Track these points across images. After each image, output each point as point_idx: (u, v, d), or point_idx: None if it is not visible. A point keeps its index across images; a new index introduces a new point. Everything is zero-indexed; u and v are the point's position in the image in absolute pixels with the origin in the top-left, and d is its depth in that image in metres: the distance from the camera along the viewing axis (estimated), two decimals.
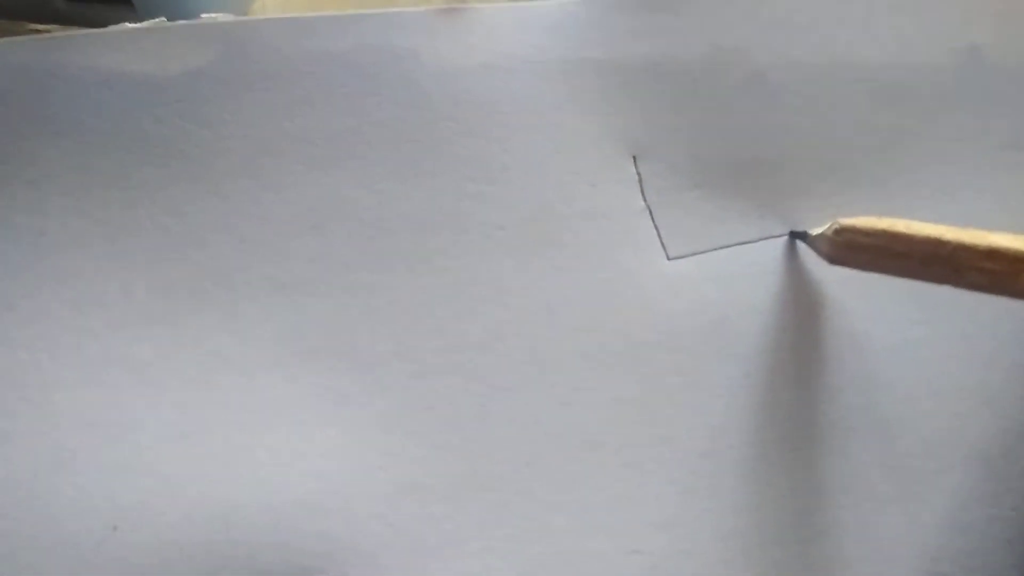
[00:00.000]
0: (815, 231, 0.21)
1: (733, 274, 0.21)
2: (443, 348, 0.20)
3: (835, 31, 0.24)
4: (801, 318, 0.21)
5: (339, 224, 0.21)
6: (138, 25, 0.22)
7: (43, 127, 0.21)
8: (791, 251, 0.22)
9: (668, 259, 0.22)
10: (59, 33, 0.22)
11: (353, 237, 0.21)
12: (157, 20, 0.24)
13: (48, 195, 0.21)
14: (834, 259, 0.20)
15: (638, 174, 0.22)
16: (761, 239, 0.22)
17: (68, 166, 0.21)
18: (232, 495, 0.19)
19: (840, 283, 0.21)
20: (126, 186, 0.21)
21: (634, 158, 0.23)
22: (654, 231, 0.22)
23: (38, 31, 0.24)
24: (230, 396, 0.19)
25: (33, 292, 0.20)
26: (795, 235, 0.22)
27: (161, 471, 0.19)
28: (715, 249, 0.22)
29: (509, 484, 0.19)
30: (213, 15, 0.24)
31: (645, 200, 0.22)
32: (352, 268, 0.21)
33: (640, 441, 0.20)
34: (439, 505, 0.19)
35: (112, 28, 0.22)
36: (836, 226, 0.20)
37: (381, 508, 0.19)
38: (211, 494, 0.19)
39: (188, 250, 0.21)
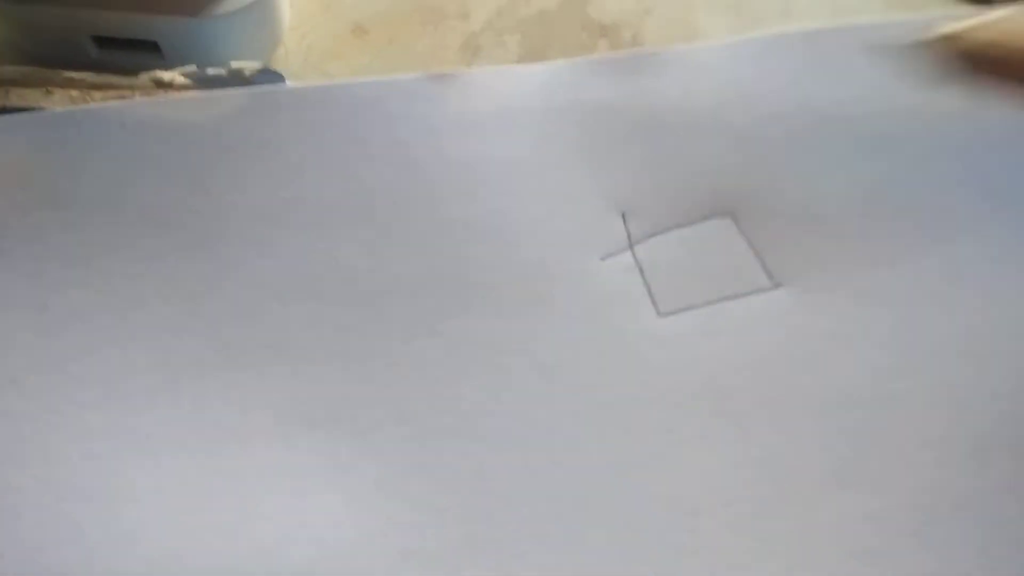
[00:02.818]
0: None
1: (723, 329, 0.22)
2: (439, 411, 0.21)
3: (814, 86, 0.24)
4: (789, 372, 0.21)
5: (335, 289, 0.22)
6: (136, 101, 0.23)
7: (45, 200, 0.22)
8: (779, 304, 0.22)
9: (659, 315, 0.22)
10: (59, 109, 0.23)
11: (349, 302, 0.22)
12: (188, 67, 0.25)
13: (50, 268, 0.21)
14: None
15: (627, 231, 0.23)
16: (749, 293, 0.22)
17: (70, 239, 0.22)
18: (235, 564, 0.19)
19: (827, 336, 0.22)
20: (127, 257, 0.21)
21: (623, 216, 0.23)
22: (644, 288, 0.22)
23: (73, 80, 0.24)
24: (230, 465, 0.20)
25: (36, 365, 0.20)
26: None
27: (164, 542, 0.19)
28: (705, 304, 0.22)
29: (506, 547, 0.20)
30: (240, 64, 0.25)
31: (635, 257, 0.23)
32: (349, 333, 0.21)
33: (633, 499, 0.20)
34: (439, 571, 0.19)
35: (111, 104, 0.23)
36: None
37: (382, 575, 0.19)
38: (214, 564, 0.19)
39: (187, 319, 0.21)
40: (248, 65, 0.24)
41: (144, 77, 0.24)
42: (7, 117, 0.22)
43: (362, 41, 0.30)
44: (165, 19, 0.26)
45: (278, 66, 0.29)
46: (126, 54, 0.28)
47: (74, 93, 0.23)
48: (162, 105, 0.23)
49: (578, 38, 0.31)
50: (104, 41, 0.28)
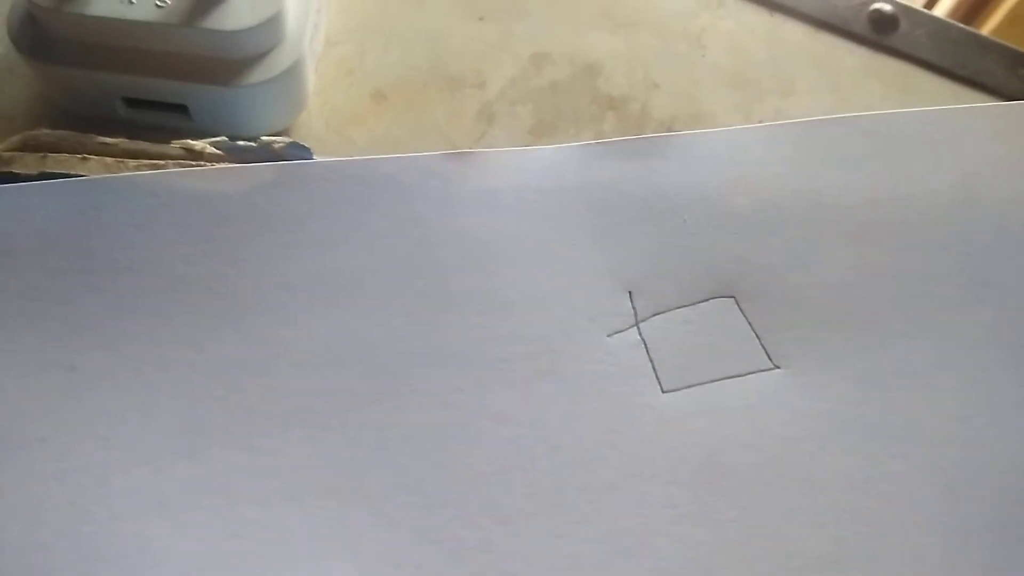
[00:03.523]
0: None
1: (723, 407, 0.23)
2: (448, 480, 0.22)
3: (813, 174, 0.25)
4: (787, 451, 0.22)
5: (352, 359, 0.23)
6: (169, 172, 0.24)
7: (77, 264, 0.23)
8: (778, 385, 0.23)
9: (663, 392, 0.23)
10: (95, 176, 0.24)
11: (365, 372, 0.22)
12: (219, 138, 0.26)
13: (78, 330, 0.22)
14: None
15: (633, 309, 0.24)
16: (750, 373, 0.23)
17: (98, 302, 0.22)
18: None
19: (824, 417, 0.23)
20: (154, 323, 0.22)
21: (630, 294, 0.24)
22: (650, 365, 0.23)
23: (107, 145, 0.25)
24: (248, 530, 0.21)
25: (64, 425, 0.21)
26: None
27: None
28: (707, 382, 0.23)
29: None
30: (270, 137, 0.26)
31: (640, 335, 0.24)
32: (363, 402, 0.22)
33: (634, 573, 0.21)
34: None
35: (145, 173, 0.24)
36: None
37: None
38: None
39: (210, 385, 0.22)
40: (277, 139, 0.25)
41: (175, 145, 0.25)
42: (46, 183, 0.23)
43: (382, 107, 0.31)
44: (196, 86, 0.27)
45: (302, 129, 0.30)
46: (155, 114, 0.29)
47: (109, 160, 0.24)
48: (194, 176, 0.24)
49: (588, 110, 0.32)
50: (134, 102, 0.29)
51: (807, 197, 0.25)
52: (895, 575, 0.21)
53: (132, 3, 0.26)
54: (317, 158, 0.25)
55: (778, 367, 0.23)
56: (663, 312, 0.24)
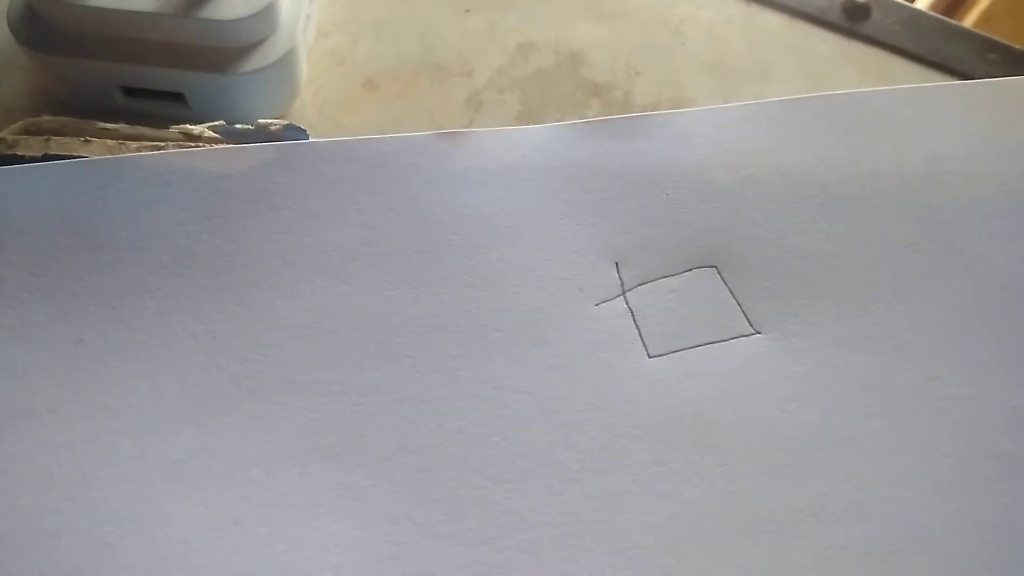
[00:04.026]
0: None
1: (707, 370, 0.24)
2: (446, 443, 0.22)
3: (790, 150, 0.27)
4: (769, 411, 0.23)
5: (351, 329, 0.23)
6: (171, 152, 0.25)
7: (84, 242, 0.24)
8: (758, 349, 0.24)
9: (649, 357, 0.24)
10: (99, 157, 0.25)
11: (364, 341, 0.23)
12: (217, 123, 0.26)
13: (86, 305, 0.23)
14: None
15: (620, 279, 0.25)
16: (731, 338, 0.24)
17: (105, 278, 0.23)
18: None
19: (803, 379, 0.24)
20: (158, 296, 0.23)
21: (616, 265, 0.25)
22: (636, 332, 0.24)
23: (107, 129, 0.26)
24: (252, 491, 0.21)
25: (73, 396, 0.22)
26: None
27: (191, 563, 0.20)
28: (691, 347, 0.24)
29: (508, 570, 0.21)
30: (267, 120, 0.27)
31: (627, 303, 0.25)
32: (363, 369, 0.23)
33: (625, 528, 0.22)
34: None
35: (146, 154, 0.24)
36: None
37: None
38: None
39: (214, 355, 0.23)
40: (274, 122, 0.26)
41: (174, 130, 0.26)
42: (50, 164, 0.24)
43: (373, 95, 0.32)
44: (193, 74, 0.28)
45: (295, 117, 0.31)
46: (153, 103, 0.29)
47: (110, 143, 0.25)
48: (194, 156, 0.25)
49: (573, 97, 0.33)
50: (132, 91, 0.29)
51: (785, 172, 0.26)
52: (873, 527, 0.22)
53: None
54: (313, 139, 0.26)
55: (759, 332, 0.24)
56: (648, 282, 0.25)
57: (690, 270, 0.25)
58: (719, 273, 0.25)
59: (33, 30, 0.28)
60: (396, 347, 0.23)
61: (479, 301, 0.24)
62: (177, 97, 0.29)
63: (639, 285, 0.25)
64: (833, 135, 0.27)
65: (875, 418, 0.23)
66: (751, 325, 0.25)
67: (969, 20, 0.76)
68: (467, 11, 0.35)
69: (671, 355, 0.24)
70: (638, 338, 0.24)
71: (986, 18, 0.75)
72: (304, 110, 0.31)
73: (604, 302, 0.25)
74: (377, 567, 0.21)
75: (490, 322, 0.24)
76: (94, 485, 0.21)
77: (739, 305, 0.25)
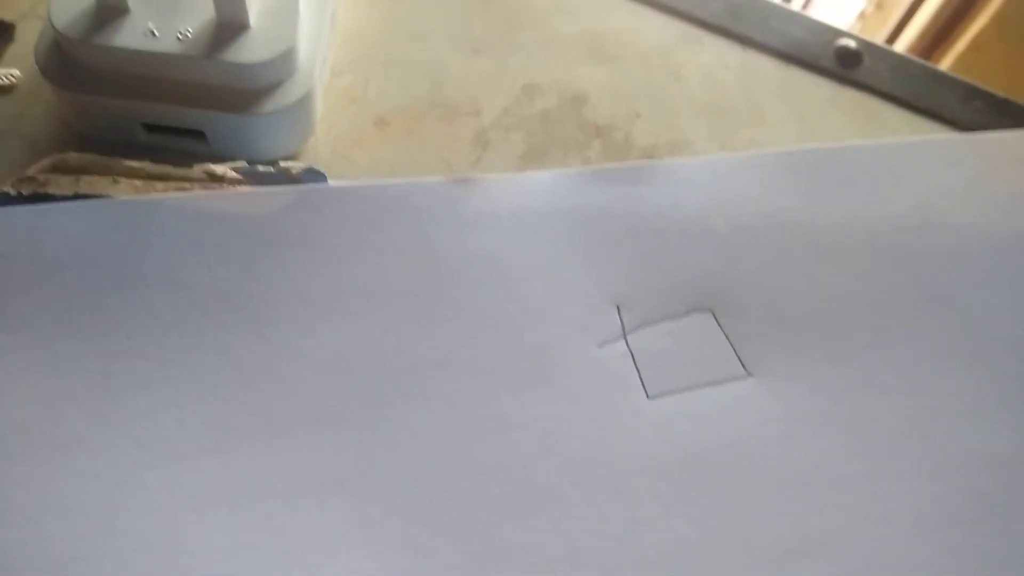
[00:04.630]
0: None
1: (703, 412, 0.25)
2: (454, 476, 0.24)
3: (783, 200, 0.28)
4: (759, 451, 0.25)
5: (364, 365, 0.25)
6: (196, 194, 0.26)
7: (112, 279, 0.25)
8: (751, 392, 0.26)
9: (648, 397, 0.25)
10: (126, 198, 0.26)
11: (376, 376, 0.25)
12: (239, 163, 0.28)
13: (115, 339, 0.24)
14: None
15: (621, 322, 0.26)
16: (726, 381, 0.26)
17: (133, 314, 0.24)
18: None
19: (793, 421, 0.25)
20: (183, 332, 0.24)
21: (618, 308, 0.26)
22: (636, 373, 0.25)
23: (133, 168, 0.27)
24: (272, 522, 0.22)
25: (101, 428, 0.23)
26: None
27: None
28: (687, 389, 0.25)
29: None
30: (288, 163, 0.28)
31: (628, 345, 0.26)
32: (375, 403, 0.24)
33: (623, 561, 0.23)
34: None
35: (173, 195, 0.26)
36: None
37: None
38: None
39: (235, 388, 0.24)
40: (294, 164, 0.27)
41: (198, 169, 0.27)
42: (81, 204, 0.25)
43: (384, 133, 0.34)
44: (214, 113, 0.29)
45: (309, 154, 0.32)
46: (174, 139, 0.31)
47: (138, 183, 0.26)
48: (219, 199, 0.26)
49: (575, 137, 0.34)
50: (154, 127, 0.31)
51: (779, 220, 0.28)
52: (857, 564, 0.23)
53: (156, 36, 0.28)
54: (331, 182, 0.27)
55: (751, 375, 0.26)
56: (648, 325, 0.26)
57: (688, 314, 0.26)
58: (715, 317, 0.26)
59: (60, 67, 0.29)
60: (407, 383, 0.25)
61: (487, 340, 0.25)
62: (197, 135, 0.30)
63: (639, 327, 0.26)
64: (825, 186, 0.28)
65: (860, 459, 0.25)
66: (744, 368, 0.26)
67: (959, 47, 0.78)
68: (475, 52, 0.36)
69: (669, 396, 0.25)
70: (638, 379, 0.25)
71: (975, 45, 0.77)
72: (318, 147, 0.33)
73: (606, 343, 0.26)
74: None
75: (496, 360, 0.25)
76: (118, 513, 0.22)
77: (733, 348, 0.26)
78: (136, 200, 0.25)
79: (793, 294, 0.27)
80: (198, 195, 0.26)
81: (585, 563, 0.23)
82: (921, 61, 0.38)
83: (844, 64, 0.37)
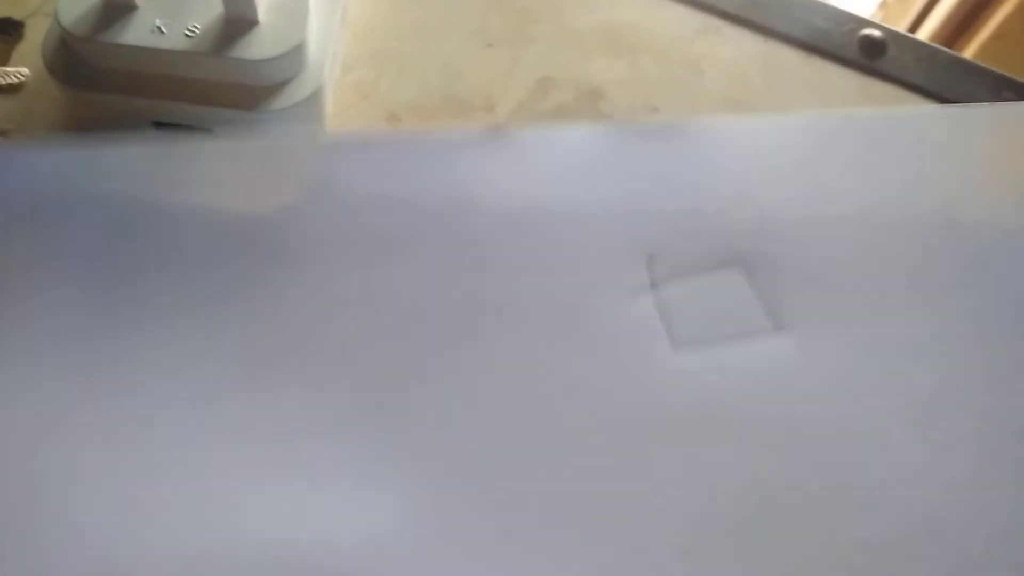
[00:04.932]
0: None
1: (730, 365, 0.25)
2: (479, 418, 0.23)
3: (822, 163, 0.28)
4: (790, 406, 0.24)
5: (396, 308, 0.25)
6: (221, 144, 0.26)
7: (138, 222, 0.25)
8: (779, 347, 0.25)
9: (674, 349, 0.25)
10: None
11: (407, 319, 0.25)
12: None
13: (151, 295, 0.24)
14: None
15: (652, 273, 0.26)
16: (754, 335, 0.25)
17: (161, 252, 0.25)
18: (300, 538, 0.21)
19: (825, 378, 0.25)
20: (217, 277, 0.25)
21: (648, 258, 0.26)
22: (664, 324, 0.25)
23: None
24: (297, 456, 0.23)
25: (132, 352, 0.24)
26: None
27: (238, 524, 0.22)
28: (715, 341, 0.25)
29: (532, 538, 0.22)
30: None
31: (656, 296, 0.26)
32: (404, 344, 0.24)
33: (644, 504, 0.23)
34: (475, 554, 0.22)
35: (192, 142, 0.27)
36: None
37: (429, 558, 0.22)
38: (282, 539, 0.21)
39: (267, 324, 0.24)
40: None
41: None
42: (110, 147, 0.26)
43: (396, 128, 0.33)
44: (223, 111, 0.29)
45: None
46: (179, 135, 0.30)
47: None
48: (244, 151, 0.26)
49: None
50: (163, 125, 0.30)
51: (816, 181, 0.28)
52: (886, 524, 0.23)
53: (163, 33, 0.28)
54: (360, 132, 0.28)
55: (783, 330, 0.25)
56: (678, 277, 0.26)
57: (720, 267, 0.26)
58: (746, 272, 0.26)
59: (68, 65, 0.29)
60: (437, 327, 0.25)
61: (517, 288, 0.25)
62: (206, 132, 0.30)
63: (670, 279, 0.26)
64: (863, 150, 0.28)
65: (892, 418, 0.24)
66: (773, 323, 0.25)
67: (983, 36, 0.76)
68: (490, 45, 0.35)
69: (697, 349, 0.25)
70: (665, 331, 0.25)
71: (1000, 34, 0.75)
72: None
73: (636, 294, 0.25)
74: (411, 530, 0.22)
75: (526, 308, 0.25)
76: (154, 442, 0.22)
77: (762, 304, 0.26)
78: (154, 146, 0.26)
79: (827, 254, 0.26)
80: (223, 146, 0.26)
81: (608, 506, 0.23)
82: (948, 51, 0.37)
83: (868, 54, 0.36)
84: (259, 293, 0.25)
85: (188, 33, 0.28)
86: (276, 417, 0.23)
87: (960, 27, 0.80)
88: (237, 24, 0.28)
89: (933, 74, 0.36)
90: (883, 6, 0.85)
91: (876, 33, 0.36)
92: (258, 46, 0.28)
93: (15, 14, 0.34)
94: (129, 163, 0.26)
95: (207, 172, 0.26)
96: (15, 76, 0.32)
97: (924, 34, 0.80)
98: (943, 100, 0.36)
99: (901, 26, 0.81)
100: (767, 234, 0.27)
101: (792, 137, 0.29)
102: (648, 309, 0.25)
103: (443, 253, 0.26)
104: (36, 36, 0.34)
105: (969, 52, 0.76)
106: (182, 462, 0.22)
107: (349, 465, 0.23)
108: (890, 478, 0.23)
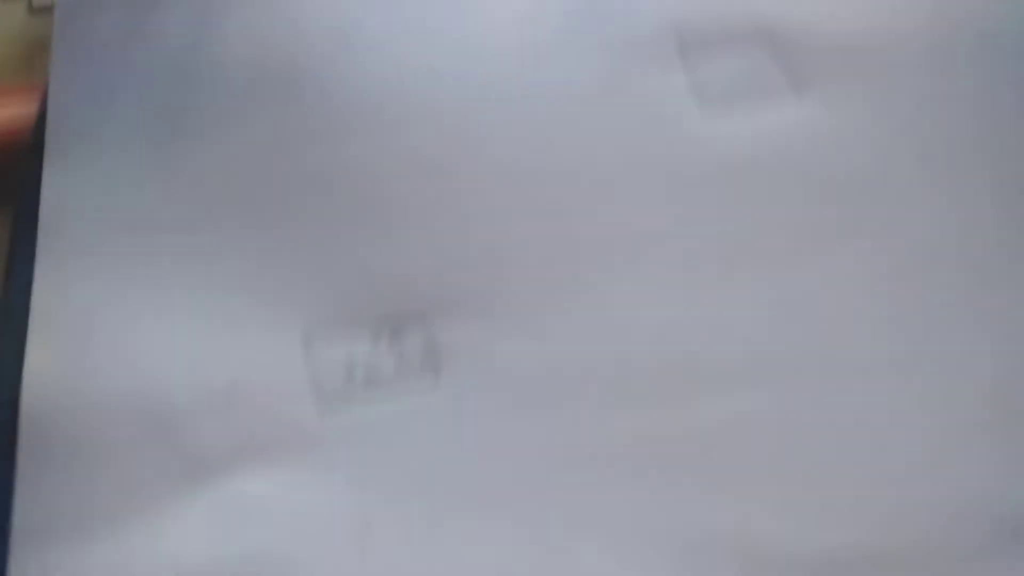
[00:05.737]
0: None
1: (753, 127, 0.27)
2: (533, 172, 0.26)
3: None
4: (802, 158, 0.26)
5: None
6: None
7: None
8: (799, 111, 0.27)
9: (702, 114, 0.27)
10: None
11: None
12: None
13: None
14: None
15: (680, 48, 0.28)
16: (775, 98, 0.27)
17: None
18: None
19: (833, 134, 0.26)
20: (262, 140, 0.27)
21: (678, 34, 0.28)
22: (692, 91, 0.27)
23: None
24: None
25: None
26: None
27: None
28: (739, 101, 0.27)
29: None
30: None
31: (685, 68, 0.28)
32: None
33: (667, 253, 0.25)
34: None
35: None
36: None
37: None
38: None
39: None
40: None
41: None
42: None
43: None
44: None
45: None
46: None
47: None
48: None
49: None
50: None
51: None
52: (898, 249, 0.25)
53: None
54: None
55: (800, 97, 0.27)
56: (707, 49, 0.28)
57: (746, 38, 0.28)
58: (771, 44, 0.28)
59: None
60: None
61: (555, 67, 0.28)
62: None
63: (697, 52, 0.28)
64: None
65: (912, 166, 0.26)
66: (794, 90, 0.27)
67: None
68: None
69: (722, 112, 0.27)
70: (694, 97, 0.27)
71: None
72: None
73: (666, 66, 0.28)
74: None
75: (569, 79, 0.28)
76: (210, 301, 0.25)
77: (784, 71, 0.27)
78: None
79: (856, 28, 0.28)
80: None
81: (637, 249, 0.25)
82: None
83: None
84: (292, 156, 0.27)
85: None
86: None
87: None
88: None
89: None
90: None
91: None
92: None
93: None
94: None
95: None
96: None
97: None
98: None
99: None
100: (792, 8, 0.28)
101: None
102: (676, 78, 0.28)
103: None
104: None
105: None
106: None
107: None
108: (907, 215, 0.25)
